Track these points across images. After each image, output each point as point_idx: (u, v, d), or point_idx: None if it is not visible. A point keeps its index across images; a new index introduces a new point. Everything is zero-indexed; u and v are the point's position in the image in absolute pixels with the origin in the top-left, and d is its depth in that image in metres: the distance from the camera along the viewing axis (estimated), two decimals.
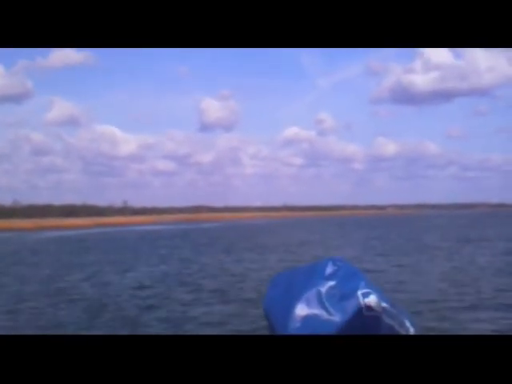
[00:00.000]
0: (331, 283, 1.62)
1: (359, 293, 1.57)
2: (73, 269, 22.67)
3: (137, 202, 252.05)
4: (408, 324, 1.61)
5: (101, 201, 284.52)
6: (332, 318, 1.53)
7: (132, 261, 25.96)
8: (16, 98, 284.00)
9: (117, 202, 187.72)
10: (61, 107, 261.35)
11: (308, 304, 1.57)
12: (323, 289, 1.60)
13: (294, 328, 1.52)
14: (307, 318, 1.54)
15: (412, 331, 1.60)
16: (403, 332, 1.56)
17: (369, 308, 1.53)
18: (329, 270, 1.66)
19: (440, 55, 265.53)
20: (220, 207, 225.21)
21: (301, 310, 1.56)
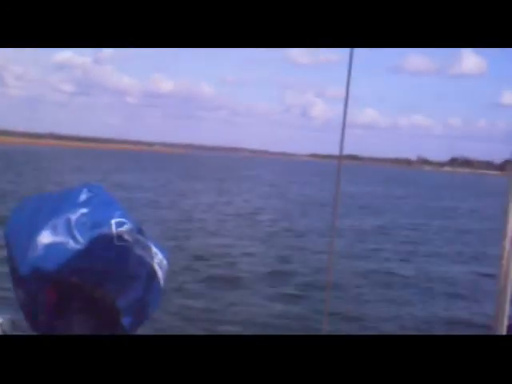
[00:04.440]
0: (83, 210, 1.51)
1: (112, 222, 1.50)
2: None
3: None
4: (161, 256, 1.60)
5: None
6: (79, 246, 1.45)
7: None
8: None
9: None
10: None
11: (54, 231, 1.46)
12: (74, 216, 1.49)
13: (34, 257, 1.42)
14: (51, 247, 1.44)
15: (165, 263, 1.61)
16: (155, 264, 1.55)
17: (120, 238, 1.48)
18: (83, 196, 1.55)
19: None
20: None
21: (45, 237, 1.45)
